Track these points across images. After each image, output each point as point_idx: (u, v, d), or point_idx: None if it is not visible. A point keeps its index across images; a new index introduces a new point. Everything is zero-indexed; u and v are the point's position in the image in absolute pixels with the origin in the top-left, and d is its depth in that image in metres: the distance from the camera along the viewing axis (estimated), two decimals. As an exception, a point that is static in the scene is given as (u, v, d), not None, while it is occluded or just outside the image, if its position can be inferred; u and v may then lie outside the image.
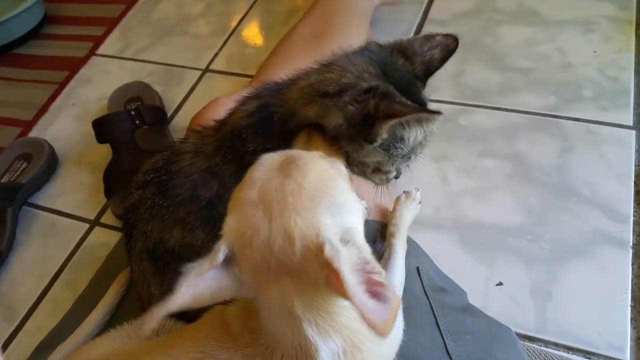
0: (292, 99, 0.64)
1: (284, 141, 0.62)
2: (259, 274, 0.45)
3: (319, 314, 0.45)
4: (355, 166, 0.65)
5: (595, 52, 1.22)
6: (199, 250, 0.64)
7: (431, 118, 0.59)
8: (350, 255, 0.42)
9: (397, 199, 0.85)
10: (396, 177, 0.70)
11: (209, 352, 0.51)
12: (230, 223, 0.47)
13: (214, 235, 0.62)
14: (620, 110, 1.10)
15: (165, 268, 0.69)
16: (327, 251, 0.41)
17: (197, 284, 0.44)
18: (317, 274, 0.42)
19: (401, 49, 0.66)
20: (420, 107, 0.59)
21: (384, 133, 0.58)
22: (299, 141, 0.61)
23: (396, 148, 0.61)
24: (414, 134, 0.61)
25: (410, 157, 0.64)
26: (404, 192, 0.87)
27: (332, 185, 0.47)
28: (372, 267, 0.42)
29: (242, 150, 0.65)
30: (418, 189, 0.88)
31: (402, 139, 0.61)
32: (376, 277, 0.41)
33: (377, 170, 0.66)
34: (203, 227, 0.67)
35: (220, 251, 0.46)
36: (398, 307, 0.40)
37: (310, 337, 0.45)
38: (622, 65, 1.18)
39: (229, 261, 0.46)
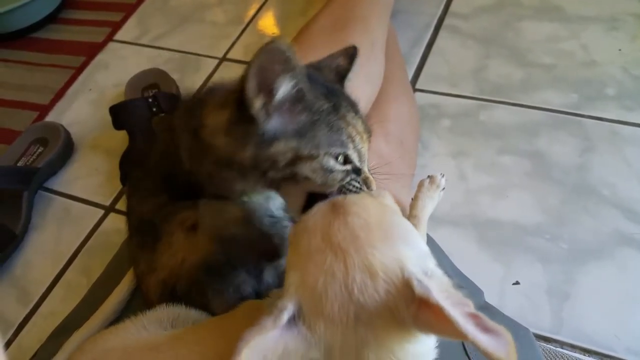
0: None
1: None
2: (335, 328, 0.40)
3: None
4: (277, 173, 0.58)
5: (620, 50, 1.19)
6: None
7: (271, 45, 0.52)
8: (440, 288, 0.39)
9: (420, 185, 0.80)
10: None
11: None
12: (294, 278, 0.42)
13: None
14: (644, 111, 1.08)
15: (145, 239, 0.70)
16: (417, 286, 0.38)
17: (259, 348, 0.39)
18: (404, 313, 0.39)
19: (312, 66, 0.67)
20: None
21: (255, 98, 0.54)
22: None
23: (292, 112, 0.56)
24: (283, 84, 0.55)
25: (318, 119, 0.58)
26: (428, 176, 0.81)
27: (393, 218, 0.44)
28: (460, 298, 0.39)
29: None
30: (443, 175, 0.82)
31: (277, 94, 0.56)
32: (468, 309, 0.38)
33: (299, 159, 0.57)
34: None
35: (285, 309, 0.40)
36: (511, 339, 0.37)
37: None
38: (648, 64, 1.16)
39: (294, 320, 0.41)
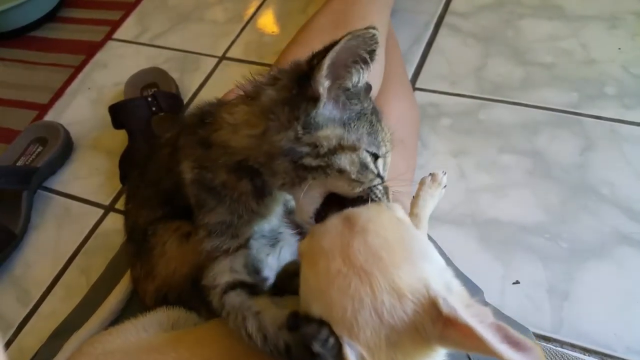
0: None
1: None
2: (371, 355, 0.39)
3: None
4: (313, 160, 0.56)
5: (619, 49, 1.19)
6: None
7: (365, 34, 0.53)
8: (463, 303, 0.38)
9: (422, 182, 0.80)
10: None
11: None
12: (320, 310, 0.41)
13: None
14: (644, 109, 1.08)
15: (139, 247, 0.71)
16: (444, 306, 0.37)
17: None
18: (430, 331, 0.38)
19: None
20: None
21: (324, 78, 0.53)
22: None
23: (346, 102, 0.56)
24: (356, 73, 0.56)
25: (365, 114, 0.58)
26: (430, 174, 0.81)
27: (411, 233, 0.43)
28: (481, 310, 0.38)
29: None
30: (445, 172, 0.81)
31: (345, 81, 0.56)
32: (491, 321, 0.38)
33: (341, 149, 0.56)
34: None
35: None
36: (541, 352, 0.36)
37: None
38: (647, 63, 1.16)
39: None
